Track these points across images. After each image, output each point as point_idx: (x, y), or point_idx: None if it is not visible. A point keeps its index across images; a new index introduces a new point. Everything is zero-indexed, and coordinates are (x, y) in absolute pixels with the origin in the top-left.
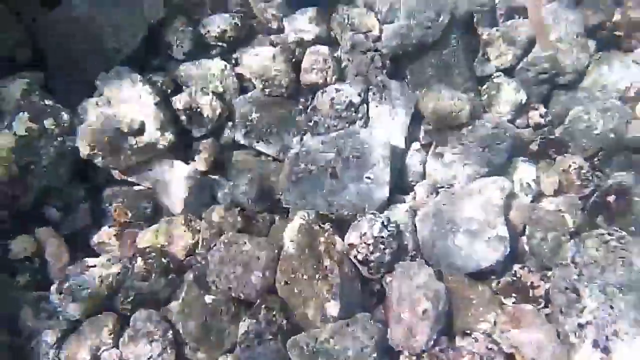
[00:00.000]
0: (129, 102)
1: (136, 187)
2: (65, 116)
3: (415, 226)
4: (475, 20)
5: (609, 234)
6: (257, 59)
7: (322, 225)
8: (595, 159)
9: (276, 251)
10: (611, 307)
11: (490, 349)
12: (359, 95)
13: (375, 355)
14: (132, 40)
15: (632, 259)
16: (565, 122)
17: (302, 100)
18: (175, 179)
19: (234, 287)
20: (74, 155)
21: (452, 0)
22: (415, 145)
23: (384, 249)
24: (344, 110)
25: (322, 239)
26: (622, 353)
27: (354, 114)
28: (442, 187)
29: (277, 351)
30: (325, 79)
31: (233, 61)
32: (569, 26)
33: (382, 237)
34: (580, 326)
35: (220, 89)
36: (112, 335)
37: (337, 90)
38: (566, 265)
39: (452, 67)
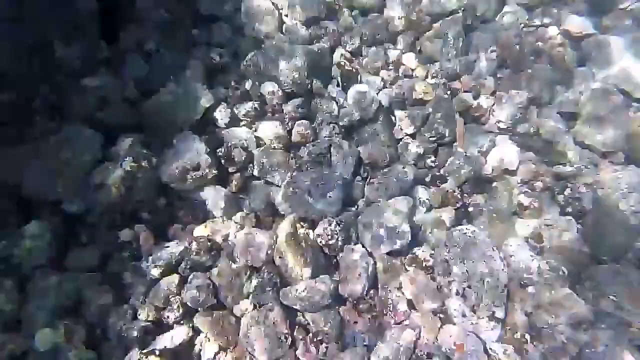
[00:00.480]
0: (191, 151)
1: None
2: (154, 160)
3: (357, 224)
4: (391, 105)
5: (467, 229)
6: (268, 127)
7: (302, 224)
8: (464, 186)
9: (274, 238)
10: (466, 271)
11: (398, 296)
12: (326, 149)
13: (330, 300)
14: (193, 117)
15: (476, 243)
16: (445, 165)
17: (292, 152)
18: (218, 196)
19: (250, 259)
20: (158, 182)
21: (376, 95)
22: (358, 178)
23: (337, 237)
24: (317, 157)
25: (301, 232)
26: (472, 298)
27: (322, 159)
28: (373, 202)
29: (274, 299)
30: (306, 139)
31: (254, 128)
32: None
33: (336, 230)
34: (449, 282)
35: (246, 145)
36: (177, 287)
37: (313, 146)
38: (442, 247)
39: (380, 133)
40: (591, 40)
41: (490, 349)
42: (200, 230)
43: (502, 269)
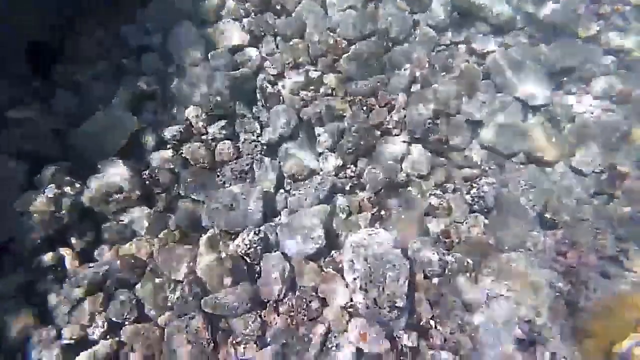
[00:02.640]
0: (114, 176)
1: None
2: (77, 185)
3: (277, 233)
4: (312, 122)
5: (372, 230)
6: (193, 148)
7: (223, 235)
8: (380, 192)
9: (197, 250)
10: (369, 268)
11: (313, 295)
12: (248, 165)
13: (250, 305)
14: (119, 143)
15: (381, 243)
16: (364, 174)
17: (217, 170)
18: (143, 216)
19: (173, 273)
20: (82, 206)
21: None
22: (281, 190)
23: (255, 247)
24: (240, 174)
25: (221, 243)
26: (373, 292)
27: (245, 175)
28: (294, 211)
29: (196, 307)
30: (230, 158)
31: (179, 151)
32: None
33: (255, 240)
34: (354, 279)
35: (172, 166)
36: (102, 305)
37: (236, 163)
38: (348, 248)
39: (302, 148)
40: (494, 56)
41: (397, 336)
42: (126, 249)
43: (404, 264)
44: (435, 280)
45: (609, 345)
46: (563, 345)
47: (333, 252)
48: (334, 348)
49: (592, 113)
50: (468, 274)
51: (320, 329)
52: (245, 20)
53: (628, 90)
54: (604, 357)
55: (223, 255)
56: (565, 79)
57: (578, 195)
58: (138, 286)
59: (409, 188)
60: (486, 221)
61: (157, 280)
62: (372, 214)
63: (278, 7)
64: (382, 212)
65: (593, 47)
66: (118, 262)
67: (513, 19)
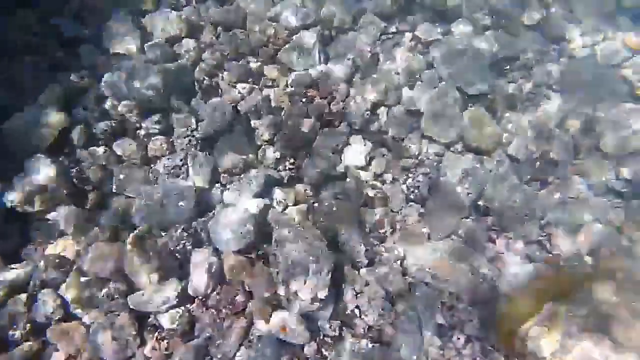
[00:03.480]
0: (39, 174)
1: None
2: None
3: (208, 228)
4: (250, 115)
5: (297, 223)
6: (125, 144)
7: (153, 232)
8: (318, 184)
9: (125, 247)
10: (292, 262)
11: (239, 289)
12: (182, 161)
13: (177, 300)
14: (47, 140)
15: (305, 237)
16: (302, 167)
17: (150, 166)
18: (70, 215)
19: (99, 271)
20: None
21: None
22: (217, 185)
23: (184, 243)
24: (173, 169)
25: (149, 241)
26: (294, 284)
27: (179, 171)
28: (229, 206)
29: (123, 304)
30: (163, 153)
31: (111, 146)
32: None
33: (183, 237)
34: (277, 273)
35: (104, 162)
36: (25, 306)
37: (169, 159)
38: (274, 242)
39: (237, 142)
40: (439, 46)
41: (320, 326)
42: (52, 249)
43: (328, 256)
44: (363, 270)
45: (518, 328)
46: (480, 329)
47: (264, 245)
48: (255, 340)
49: (530, 101)
50: (395, 263)
51: (242, 322)
52: (185, 9)
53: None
54: (514, 340)
55: (151, 252)
56: (508, 67)
57: (512, 182)
58: (64, 285)
59: (347, 179)
60: (422, 210)
61: (83, 279)
62: (308, 207)
63: None
64: (316, 204)
65: (536, 35)
66: (42, 262)
67: (459, 7)
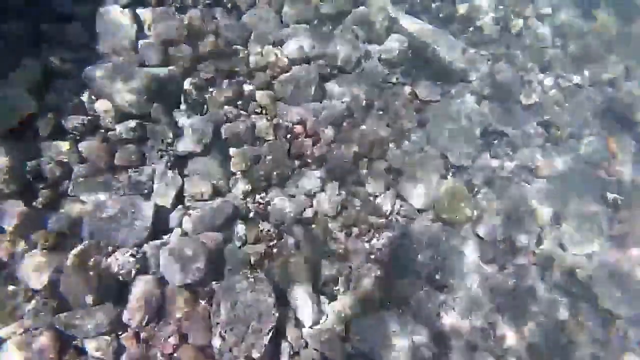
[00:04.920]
0: None
1: None
2: None
3: (159, 255)
4: (229, 140)
5: (249, 275)
6: (93, 145)
7: (99, 249)
8: (282, 225)
9: (64, 260)
10: (234, 316)
11: (175, 329)
12: (148, 176)
13: (109, 327)
14: (8, 125)
15: (254, 290)
16: (271, 204)
17: (115, 174)
18: (13, 211)
19: (31, 281)
20: None
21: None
22: (180, 207)
23: (129, 268)
24: (136, 184)
25: (92, 260)
26: (231, 340)
27: (143, 186)
28: (186, 233)
29: (48, 323)
30: (130, 164)
31: (78, 144)
32: None
33: (129, 260)
34: (217, 324)
35: (65, 160)
36: None
37: (135, 171)
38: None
39: (210, 167)
40: (435, 107)
41: None
42: None
43: (272, 315)
44: (305, 330)
45: None
46: None
47: (214, 283)
48: None
49: (508, 181)
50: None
51: None
52: (191, 11)
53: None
54: None
55: (91, 271)
56: (495, 141)
57: (472, 260)
58: None
59: (314, 225)
60: (379, 273)
61: (10, 287)
62: (267, 248)
63: (229, 5)
64: (275, 250)
65: (529, 115)
66: None
67: (465, 71)
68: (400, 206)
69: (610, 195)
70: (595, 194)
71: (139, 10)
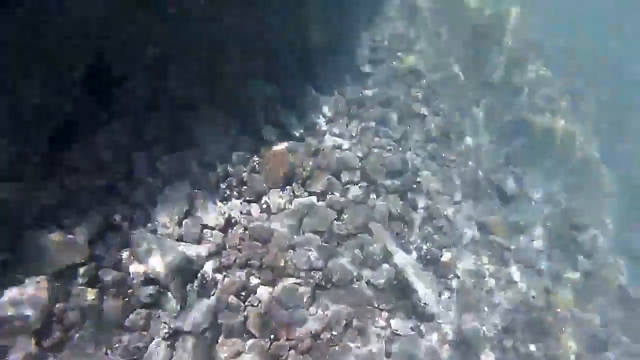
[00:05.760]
0: None
1: None
2: None
3: None
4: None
5: None
6: (112, 300)
7: None
8: None
9: None
10: None
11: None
12: (144, 343)
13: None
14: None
15: None
16: None
17: (117, 333)
18: None
19: None
20: None
21: None
22: None
23: None
24: (132, 347)
25: None
26: None
27: (138, 351)
28: None
29: None
30: (137, 328)
31: (101, 298)
32: None
33: None
34: None
35: (85, 306)
36: None
37: (138, 336)
38: None
39: (203, 351)
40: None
41: None
42: None
43: None
44: None
45: None
46: None
47: None
48: None
49: None
50: None
51: None
52: (231, 203)
53: None
54: None
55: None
56: None
57: None
58: None
59: None
60: None
61: None
62: None
63: (265, 206)
64: None
65: None
66: None
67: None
68: None
69: None
70: None
71: None
